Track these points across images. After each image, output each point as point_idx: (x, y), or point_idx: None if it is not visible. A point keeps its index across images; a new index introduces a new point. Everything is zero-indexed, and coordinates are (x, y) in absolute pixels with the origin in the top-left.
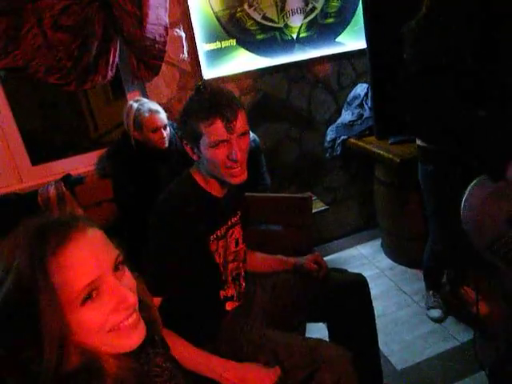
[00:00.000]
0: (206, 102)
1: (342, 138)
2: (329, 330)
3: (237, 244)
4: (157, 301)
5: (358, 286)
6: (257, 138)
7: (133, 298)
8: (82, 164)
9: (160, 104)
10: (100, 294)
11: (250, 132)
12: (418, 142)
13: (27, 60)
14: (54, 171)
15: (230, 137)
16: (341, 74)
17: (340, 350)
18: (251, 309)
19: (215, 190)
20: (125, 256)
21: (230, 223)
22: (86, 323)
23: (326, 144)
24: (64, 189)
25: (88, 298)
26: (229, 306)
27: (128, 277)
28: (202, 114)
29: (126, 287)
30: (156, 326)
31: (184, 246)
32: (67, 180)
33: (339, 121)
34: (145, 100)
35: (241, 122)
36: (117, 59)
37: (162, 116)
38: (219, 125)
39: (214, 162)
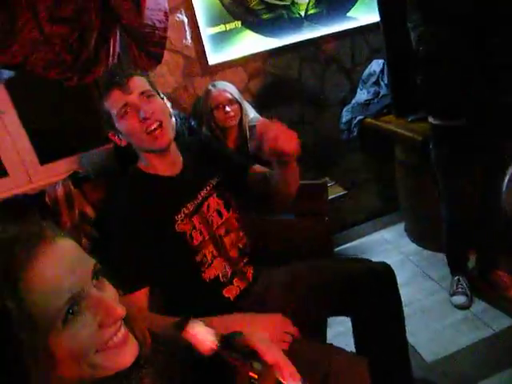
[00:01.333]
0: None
1: (359, 118)
2: (352, 323)
3: (220, 215)
4: (140, 294)
5: (384, 276)
6: None
7: (120, 310)
8: None
9: (165, 93)
10: (83, 310)
11: (259, 116)
12: (431, 119)
13: (25, 56)
14: (64, 169)
15: (128, 98)
16: (354, 50)
17: (353, 359)
18: (266, 306)
19: (163, 170)
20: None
21: (200, 197)
22: (71, 346)
23: (341, 125)
24: (72, 187)
25: (69, 316)
26: (228, 293)
27: (109, 287)
28: (104, 94)
29: (110, 298)
30: (144, 342)
31: (140, 236)
32: (75, 178)
33: (354, 100)
34: None
35: (136, 83)
36: (117, 49)
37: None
38: (116, 92)
39: (132, 133)
